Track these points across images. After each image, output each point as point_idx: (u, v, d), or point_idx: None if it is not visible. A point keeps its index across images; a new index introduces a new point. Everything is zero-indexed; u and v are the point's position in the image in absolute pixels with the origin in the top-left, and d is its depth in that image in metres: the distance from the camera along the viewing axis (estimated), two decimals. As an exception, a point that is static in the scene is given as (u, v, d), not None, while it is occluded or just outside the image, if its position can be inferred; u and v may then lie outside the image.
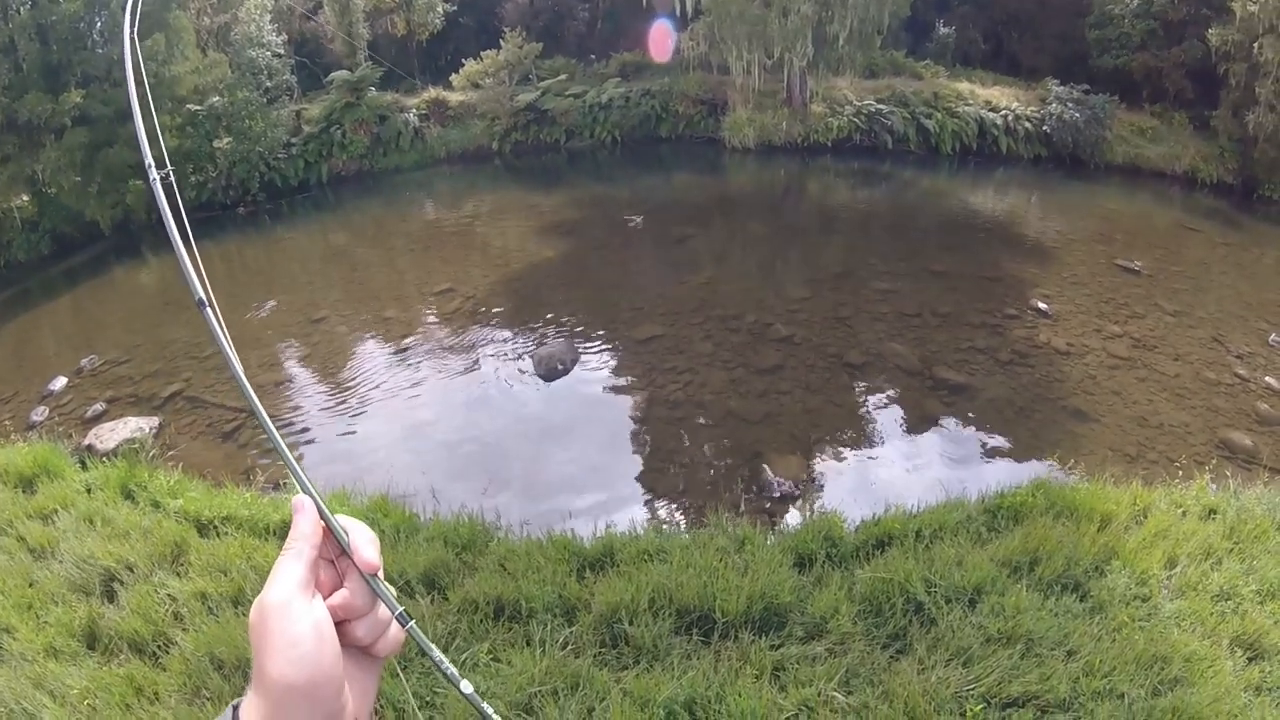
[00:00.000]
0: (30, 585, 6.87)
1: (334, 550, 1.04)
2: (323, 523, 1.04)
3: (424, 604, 5.84)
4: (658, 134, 29.67)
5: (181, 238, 1.39)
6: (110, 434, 11.55)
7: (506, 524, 7.64)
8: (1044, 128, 25.95)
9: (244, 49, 29.88)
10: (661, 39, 33.68)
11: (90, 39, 28.40)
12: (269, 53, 30.47)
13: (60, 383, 14.52)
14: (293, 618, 0.93)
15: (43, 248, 28.08)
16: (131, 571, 6.80)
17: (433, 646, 1.03)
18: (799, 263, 16.91)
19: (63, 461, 9.52)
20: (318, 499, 1.05)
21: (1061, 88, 26.68)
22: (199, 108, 28.49)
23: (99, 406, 13.12)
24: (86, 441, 11.42)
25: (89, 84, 27.15)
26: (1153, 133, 26.61)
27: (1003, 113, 26.49)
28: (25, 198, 28.84)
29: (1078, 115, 25.51)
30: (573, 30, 36.78)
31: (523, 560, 6.41)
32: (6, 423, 12.77)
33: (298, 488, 1.08)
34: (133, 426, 11.80)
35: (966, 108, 26.66)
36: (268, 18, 31.16)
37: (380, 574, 1.03)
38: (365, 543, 1.04)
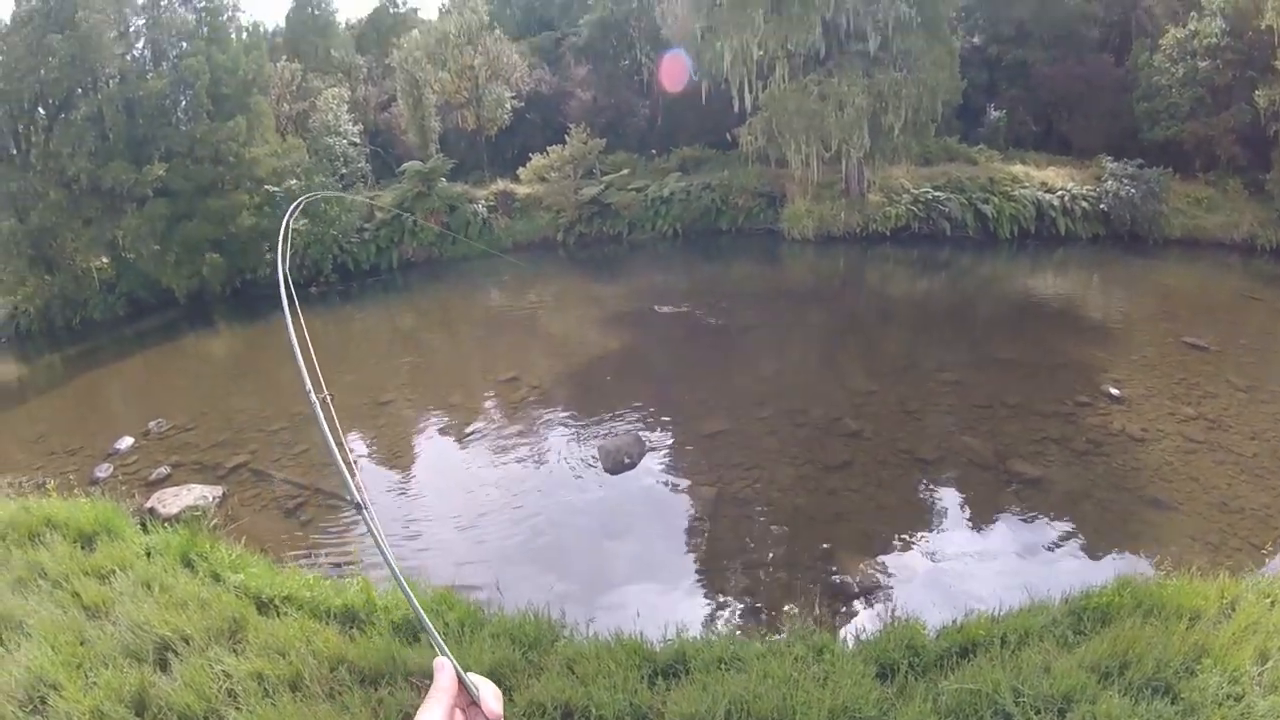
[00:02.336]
0: (81, 644, 6.76)
1: (465, 701, 1.28)
2: (458, 678, 1.28)
3: None
4: (718, 226, 30.07)
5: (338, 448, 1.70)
6: (174, 499, 11.65)
7: (572, 621, 7.38)
8: (1101, 206, 25.74)
9: (321, 136, 31.14)
10: (674, 69, 34.41)
11: (175, 116, 29.84)
12: (345, 140, 31.65)
13: (126, 442, 14.78)
14: None
15: (118, 309, 29.09)
16: (187, 643, 6.65)
17: None
18: (863, 354, 16.74)
19: (124, 522, 9.50)
20: (453, 660, 1.30)
21: (1115, 164, 26.56)
22: (277, 189, 29.55)
23: (164, 470, 13.26)
24: (149, 504, 11.50)
25: (171, 158, 28.38)
26: (1208, 202, 26.34)
27: (1059, 193, 26.40)
28: (105, 260, 30.01)
29: (1133, 191, 25.34)
30: (634, 126, 37.82)
31: (591, 663, 6.18)
32: (70, 475, 12.84)
33: (435, 650, 1.33)
34: (196, 494, 11.89)
35: (1023, 190, 26.67)
36: (344, 107, 32.53)
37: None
38: (491, 696, 1.28)
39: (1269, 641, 6.10)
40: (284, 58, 38.30)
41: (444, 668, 1.29)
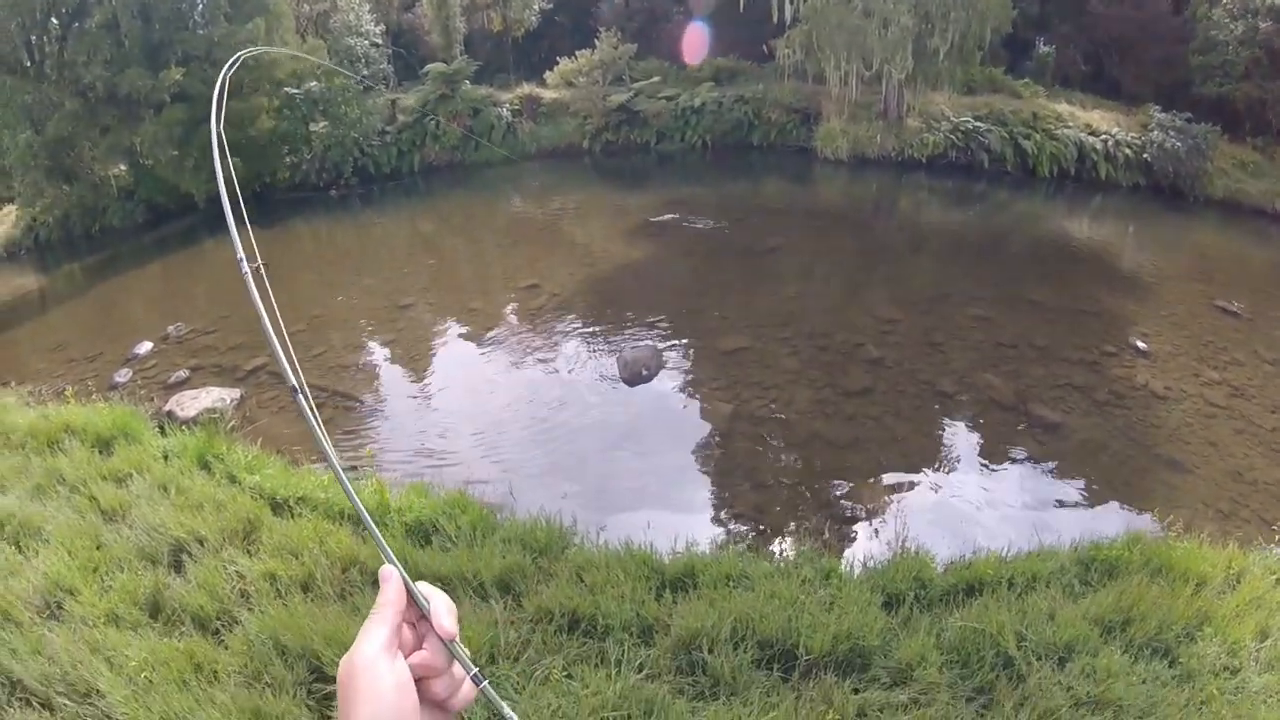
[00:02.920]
0: (98, 548, 6.86)
1: (415, 615, 1.13)
2: (405, 590, 1.13)
3: (498, 609, 5.69)
4: (749, 141, 29.33)
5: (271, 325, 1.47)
6: (191, 402, 11.73)
7: (583, 529, 7.42)
8: (1144, 155, 24.75)
9: (342, 37, 30.65)
10: (695, 40, 33.54)
11: (191, 20, 29.38)
12: (366, 41, 31.13)
13: (146, 347, 14.87)
14: (378, 675, 1.03)
15: (137, 216, 29.15)
16: (201, 544, 6.74)
17: (504, 705, 1.10)
18: (890, 282, 16.43)
19: (142, 425, 9.56)
20: (400, 569, 1.14)
21: (1163, 114, 25.44)
22: (296, 91, 29.19)
23: (182, 374, 13.36)
24: (167, 407, 11.59)
25: (189, 63, 27.98)
26: (1254, 167, 25.35)
27: (1102, 137, 25.43)
28: (123, 167, 29.96)
29: (1179, 144, 24.31)
30: (667, 33, 36.72)
31: (601, 572, 6.22)
32: (89, 382, 12.92)
33: (382, 557, 1.19)
34: (214, 396, 11.96)
35: (1066, 130, 25.68)
36: (366, 7, 31.90)
37: (457, 638, 1.13)
38: (444, 611, 1.13)
39: (1271, 619, 6.10)
40: (303, -44, 37.39)
41: (390, 578, 1.13)
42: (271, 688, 5.06)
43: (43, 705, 5.21)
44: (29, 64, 28.09)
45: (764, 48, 30.10)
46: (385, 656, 1.06)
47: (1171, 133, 24.63)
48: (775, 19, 27.18)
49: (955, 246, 19.27)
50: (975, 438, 10.42)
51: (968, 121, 25.95)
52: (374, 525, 1.29)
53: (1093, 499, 9.20)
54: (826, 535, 8.09)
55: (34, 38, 28.17)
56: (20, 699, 5.30)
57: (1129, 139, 25.17)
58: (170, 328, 15.62)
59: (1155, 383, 11.72)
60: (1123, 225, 22.65)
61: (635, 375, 12.13)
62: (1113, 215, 23.36)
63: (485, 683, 1.13)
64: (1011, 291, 15.23)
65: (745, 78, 32.01)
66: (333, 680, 5.09)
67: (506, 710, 1.09)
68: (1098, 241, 20.35)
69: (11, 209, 33.20)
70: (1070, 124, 26.07)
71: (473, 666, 1.12)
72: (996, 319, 13.77)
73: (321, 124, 29.70)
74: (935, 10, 24.59)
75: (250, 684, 5.13)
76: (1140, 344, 12.87)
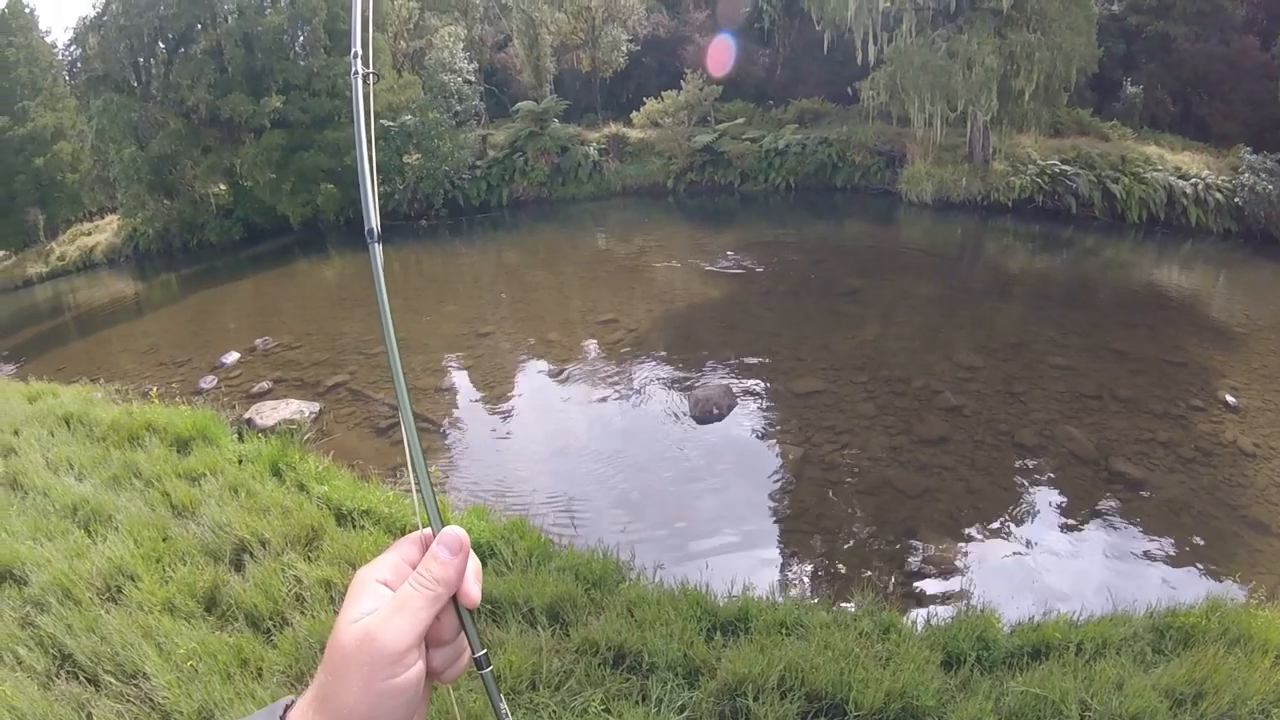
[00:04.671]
0: (164, 540, 7.04)
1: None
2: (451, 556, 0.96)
3: (544, 636, 5.63)
4: (832, 182, 29.24)
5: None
6: (271, 412, 12.10)
7: (640, 565, 7.33)
8: (1235, 199, 23.63)
9: (436, 73, 31.57)
10: (720, 53, 33.62)
11: (292, 51, 30.73)
12: (460, 78, 32.02)
13: (232, 357, 15.51)
14: (405, 666, 0.88)
15: (234, 233, 30.60)
16: (264, 546, 6.87)
17: (501, 699, 1.00)
18: (972, 328, 16.13)
19: (220, 430, 9.83)
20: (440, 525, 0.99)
21: (1254, 156, 24.26)
22: (391, 124, 30.16)
23: (265, 384, 13.87)
24: (247, 415, 11.99)
25: (289, 91, 29.34)
26: None
27: (1192, 181, 24.34)
28: (222, 187, 31.45)
29: (1271, 188, 23.15)
30: (752, 75, 36.94)
31: (652, 609, 6.08)
32: (175, 385, 13.56)
33: (426, 518, 1.01)
34: (294, 408, 12.33)
35: (1155, 173, 24.73)
36: (460, 46, 32.83)
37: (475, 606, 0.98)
38: (471, 576, 0.97)
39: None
40: (402, -5, 38.83)
41: (461, 546, 0.96)
42: None
43: (89, 680, 5.39)
44: (136, 84, 29.80)
45: (848, 89, 29.99)
46: (420, 648, 0.91)
47: (1263, 175, 23.53)
48: (860, 60, 27.14)
49: (1040, 293, 18.80)
50: (1053, 492, 10.06)
51: (1054, 164, 25.34)
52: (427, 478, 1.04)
53: (1172, 561, 8.80)
54: (890, 588, 7.87)
55: (142, 60, 29.92)
56: (69, 672, 5.48)
57: (1219, 182, 24.11)
58: (258, 341, 16.26)
59: (1244, 439, 11.17)
60: (1213, 273, 21.73)
61: (706, 414, 12.06)
62: (1203, 262, 22.44)
63: (490, 669, 0.99)
64: (1096, 340, 14.75)
65: (829, 119, 31.99)
66: None
67: (502, 706, 1.01)
68: (1187, 290, 19.61)
69: (114, 219, 35.07)
70: (1159, 167, 25.16)
71: (481, 648, 0.98)
72: (1080, 368, 13.34)
73: (415, 156, 30.66)
74: (1019, 51, 24.16)
75: (293, 684, 5.19)
76: (1229, 398, 12.31)
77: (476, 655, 0.98)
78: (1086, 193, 24.62)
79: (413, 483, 1.11)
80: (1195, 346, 14.81)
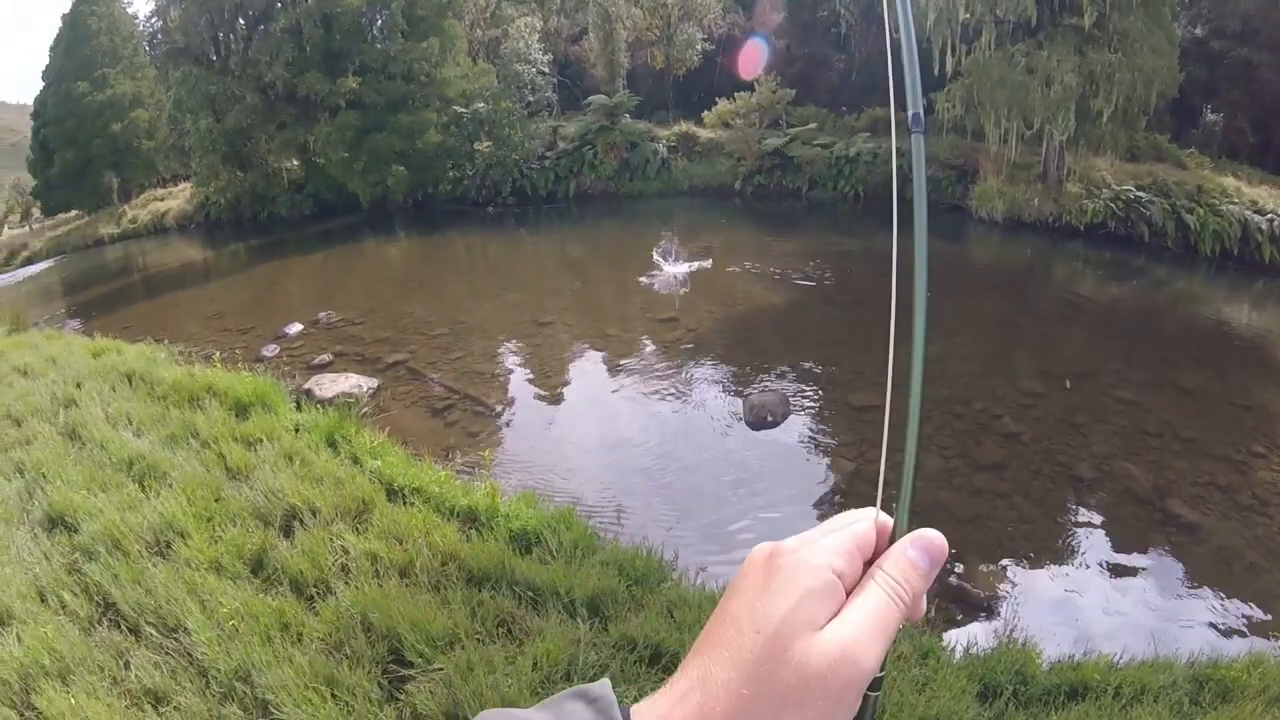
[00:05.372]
0: (217, 500, 7.15)
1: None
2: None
3: (583, 629, 5.62)
4: (903, 194, 28.79)
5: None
6: (331, 384, 12.28)
7: (683, 566, 7.25)
8: None
9: (511, 63, 31.85)
10: (752, 55, 33.53)
11: (370, 33, 31.26)
12: (534, 69, 32.25)
13: (296, 328, 15.83)
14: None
15: (305, 209, 31.29)
16: (314, 515, 6.94)
17: None
18: (1036, 353, 15.87)
19: (280, 398, 9.97)
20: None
21: None
22: (464, 110, 30.50)
23: (326, 357, 14.10)
24: (307, 385, 12.18)
25: (365, 73, 29.88)
26: None
27: (1268, 216, 23.51)
28: (295, 162, 32.12)
29: None
30: (826, 81, 36.62)
31: (693, 612, 6.03)
32: (238, 351, 13.69)
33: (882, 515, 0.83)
34: (353, 382, 12.49)
35: (1230, 206, 23.84)
36: (536, 37, 33.09)
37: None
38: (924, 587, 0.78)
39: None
40: (480, -16, 39.31)
41: (938, 547, 0.80)
42: (350, 660, 5.18)
43: (130, 630, 5.49)
44: (215, 58, 30.57)
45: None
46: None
47: (1341, 215, 22.69)
48: (936, 71, 26.67)
49: (1108, 322, 18.37)
50: (1105, 529, 9.79)
51: (1129, 190, 24.55)
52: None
53: (1218, 611, 8.53)
54: (932, 612, 7.78)
55: (221, 34, 30.65)
56: (111, 620, 5.60)
57: None
58: (321, 314, 16.56)
59: None
60: None
61: (760, 420, 11.94)
62: (1275, 302, 21.54)
63: (879, 694, 0.74)
64: (1162, 376, 14.34)
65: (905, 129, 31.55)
66: (409, 665, 5.21)
67: None
68: (1257, 329, 18.96)
69: (187, 186, 36.03)
70: (1235, 199, 24.26)
71: (883, 669, 0.73)
72: (1143, 403, 13.00)
73: (485, 144, 30.98)
74: (1100, 71, 23.52)
75: (331, 652, 5.26)
76: (1293, 447, 11.96)
77: (879, 674, 0.73)
78: (1160, 222, 23.89)
79: (886, 444, 0.87)
80: (1261, 390, 14.35)
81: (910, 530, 0.81)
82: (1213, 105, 30.50)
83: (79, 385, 10.35)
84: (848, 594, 0.73)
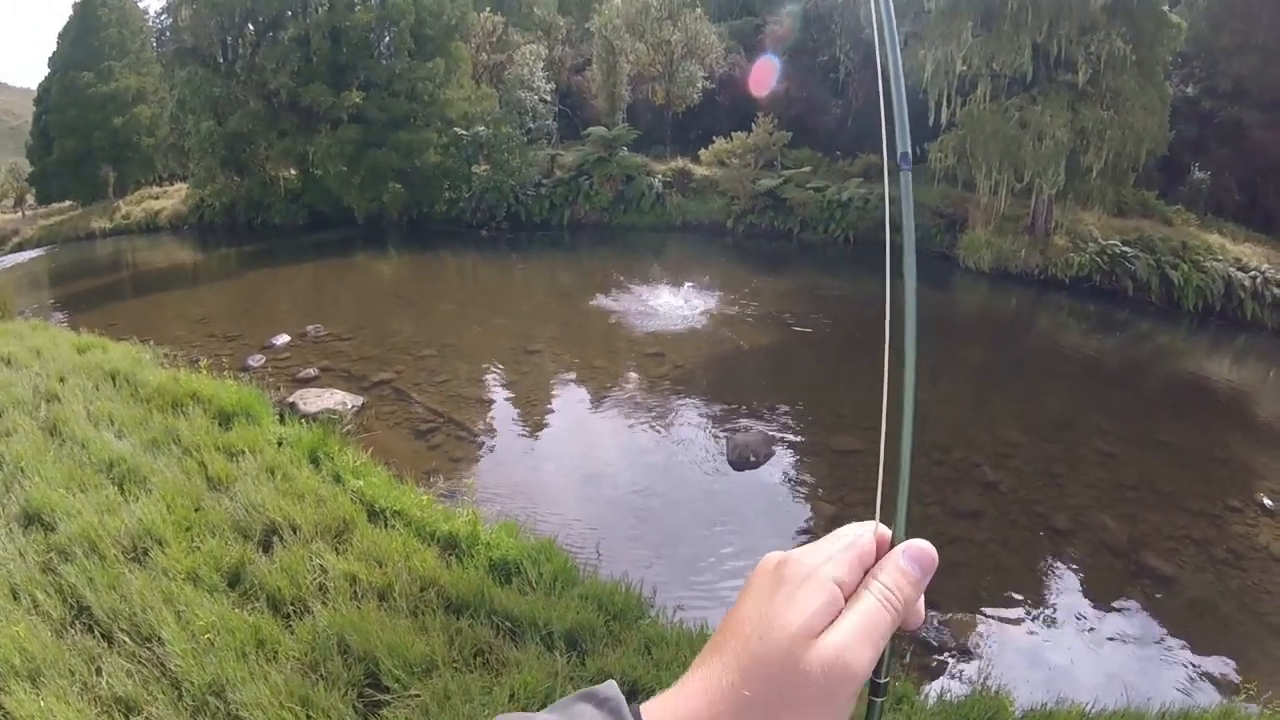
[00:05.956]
0: (196, 509, 7.11)
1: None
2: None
3: (560, 662, 5.64)
4: (892, 241, 28.96)
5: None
6: (315, 399, 12.22)
7: (661, 603, 7.27)
8: None
9: (514, 88, 32.11)
10: (763, 74, 34.08)
11: (377, 50, 31.49)
12: (536, 96, 32.51)
13: (283, 339, 15.79)
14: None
15: (299, 219, 31.29)
16: (294, 532, 6.89)
17: None
18: (1017, 403, 16.08)
19: (264, 409, 9.93)
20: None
21: None
22: (465, 133, 30.70)
23: (312, 371, 14.06)
24: (291, 399, 12.10)
25: (369, 88, 30.05)
26: None
27: (1251, 274, 23.91)
28: (293, 171, 32.16)
29: None
30: (823, 124, 36.94)
31: (670, 649, 6.07)
32: (223, 359, 13.66)
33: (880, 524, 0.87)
34: (337, 399, 12.43)
35: (1214, 262, 24.25)
36: (540, 64, 33.35)
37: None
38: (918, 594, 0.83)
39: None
40: (487, 9, 39.69)
41: (928, 558, 0.85)
42: (325, 681, 5.15)
43: (104, 635, 5.46)
44: (222, 60, 30.67)
45: (917, 149, 29.73)
46: None
47: (1324, 276, 23.02)
48: (931, 122, 27.02)
49: (1089, 374, 18.52)
50: (1080, 580, 9.87)
51: (1115, 245, 24.86)
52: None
53: (1190, 662, 8.60)
54: (906, 658, 7.85)
55: (230, 38, 30.78)
56: (84, 625, 5.57)
57: (1279, 277, 23.70)
58: (310, 327, 16.53)
59: (1277, 545, 10.86)
60: (1264, 369, 21.20)
61: (743, 460, 11.97)
62: (1255, 358, 21.88)
63: (883, 699, 0.82)
64: (1141, 428, 14.49)
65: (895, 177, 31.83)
66: (385, 690, 5.19)
67: None
68: (1236, 385, 19.15)
69: (183, 187, 36.03)
70: (1219, 256, 24.70)
71: (885, 674, 0.80)
72: (1121, 456, 13.12)
73: (483, 167, 31.19)
74: (1091, 127, 24.00)
75: (306, 672, 5.23)
76: (1267, 501, 12.00)
77: (881, 680, 0.81)
78: (1144, 276, 24.19)
79: (882, 465, 0.92)
80: (1239, 444, 14.52)
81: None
82: (1201, 163, 30.94)
83: (62, 380, 10.31)
84: (846, 601, 0.78)
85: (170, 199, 36.73)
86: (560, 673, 5.53)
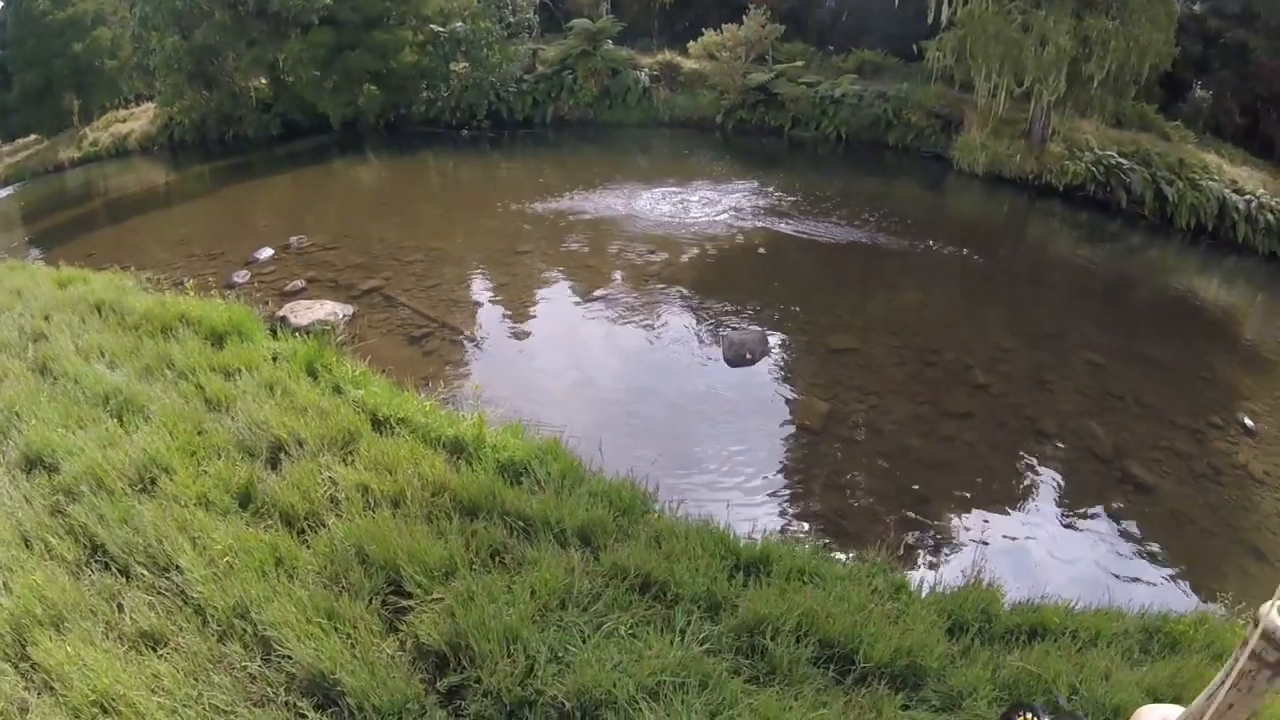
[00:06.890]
0: (199, 433, 7.04)
1: None
2: None
3: (576, 558, 5.74)
4: (884, 140, 28.48)
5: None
6: (305, 311, 12.16)
7: (665, 497, 7.36)
8: None
9: (492, -20, 31.00)
10: None
11: None
12: (515, -11, 31.48)
13: (267, 253, 15.60)
14: None
15: (272, 129, 30.40)
16: (300, 446, 6.87)
17: None
18: (1009, 309, 16.18)
19: (255, 326, 9.83)
20: None
21: None
22: (442, 29, 29.74)
23: (299, 283, 13.94)
24: (281, 313, 12.02)
25: None
26: None
27: (1246, 197, 23.63)
28: (263, 81, 31.18)
29: None
30: (816, 19, 35.97)
31: (680, 542, 6.18)
32: (209, 278, 13.61)
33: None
34: (328, 309, 12.40)
35: (1210, 182, 23.92)
36: (519, -47, 32.21)
37: None
38: None
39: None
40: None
41: None
42: (349, 592, 5.22)
43: (121, 571, 5.46)
44: (183, -29, 29.25)
45: (914, 47, 29.11)
46: None
47: (1320, 205, 22.94)
48: (930, 19, 26.26)
49: (1080, 285, 18.55)
50: (1066, 483, 10.10)
51: (1111, 156, 24.57)
52: None
53: (1169, 569, 8.88)
54: (900, 551, 8.05)
55: (189, -53, 29.31)
56: (100, 562, 5.56)
57: (1273, 203, 23.50)
58: (293, 239, 16.32)
59: (1255, 465, 11.11)
60: (1252, 292, 21.26)
61: (738, 357, 12.07)
62: (1244, 281, 21.90)
63: None
64: (1130, 342, 14.59)
65: (890, 74, 31.07)
66: (409, 595, 5.29)
67: None
68: (1224, 306, 19.28)
69: (150, 107, 34.94)
70: (1215, 176, 24.41)
71: None
72: (1110, 367, 13.25)
73: (462, 64, 30.29)
74: (1095, 36, 23.45)
75: (328, 585, 5.29)
76: (1248, 421, 12.24)
77: None
78: (1139, 190, 23.99)
79: None
80: (1223, 364, 14.70)
81: None
82: (1203, 82, 30.45)
83: (47, 318, 10.07)
84: None
85: (138, 120, 35.36)
86: (577, 568, 5.65)
